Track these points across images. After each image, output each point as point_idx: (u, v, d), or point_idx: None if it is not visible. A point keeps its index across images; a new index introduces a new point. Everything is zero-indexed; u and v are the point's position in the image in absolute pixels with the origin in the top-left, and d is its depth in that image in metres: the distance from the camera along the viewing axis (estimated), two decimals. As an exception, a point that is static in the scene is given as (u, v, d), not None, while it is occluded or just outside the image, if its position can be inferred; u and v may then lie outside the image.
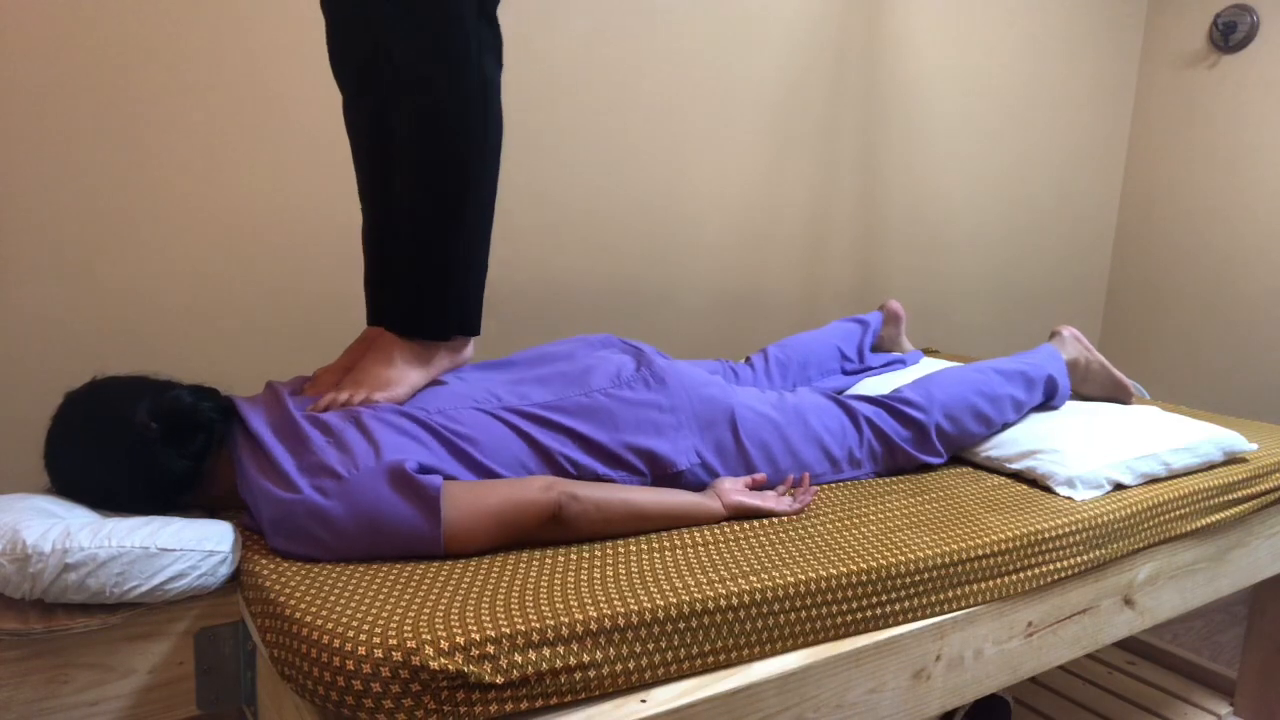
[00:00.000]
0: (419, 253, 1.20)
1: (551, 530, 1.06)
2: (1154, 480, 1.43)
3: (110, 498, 1.05)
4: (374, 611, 0.85)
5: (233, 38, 1.60)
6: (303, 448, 1.05)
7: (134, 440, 1.04)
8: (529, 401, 1.20)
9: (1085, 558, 1.25)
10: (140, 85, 1.53)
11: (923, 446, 1.43)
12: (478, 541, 1.02)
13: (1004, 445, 1.47)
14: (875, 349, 1.96)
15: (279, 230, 1.68)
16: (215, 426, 1.10)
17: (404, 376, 1.19)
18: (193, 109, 1.58)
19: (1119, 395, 1.74)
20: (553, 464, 1.16)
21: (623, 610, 0.89)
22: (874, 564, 1.05)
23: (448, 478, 1.08)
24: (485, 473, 1.12)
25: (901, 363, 1.85)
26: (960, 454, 1.51)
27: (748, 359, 1.73)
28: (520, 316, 1.99)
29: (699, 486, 1.24)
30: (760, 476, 1.27)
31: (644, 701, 0.88)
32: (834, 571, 1.02)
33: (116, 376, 1.10)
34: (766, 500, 1.21)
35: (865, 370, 1.82)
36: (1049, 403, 1.62)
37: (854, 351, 1.83)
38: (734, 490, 1.21)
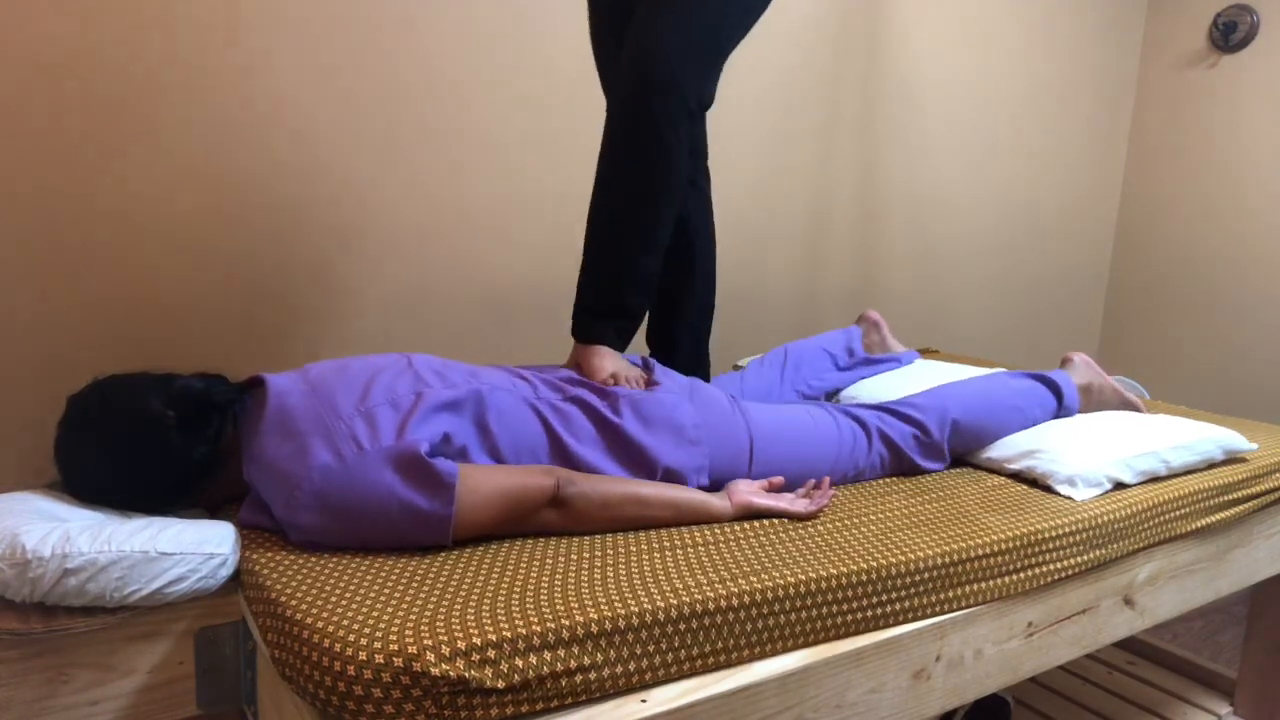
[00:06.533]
0: (593, 249, 1.38)
1: (552, 515, 1.07)
2: (1154, 478, 1.43)
3: (133, 497, 1.05)
4: (375, 613, 0.85)
5: (230, 38, 1.60)
6: (332, 416, 1.04)
7: (154, 432, 1.03)
8: (560, 394, 1.23)
9: (1085, 558, 1.25)
10: (131, 87, 1.53)
11: (929, 453, 1.43)
12: (480, 524, 1.03)
13: (1004, 445, 1.47)
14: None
15: (275, 229, 1.68)
16: (229, 408, 1.10)
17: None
18: (189, 110, 1.58)
19: None
20: (564, 458, 1.17)
21: (623, 612, 0.89)
22: (874, 564, 1.05)
23: (458, 454, 1.09)
24: (496, 453, 1.14)
25: (897, 361, 1.85)
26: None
27: (737, 366, 1.73)
28: (524, 318, 1.99)
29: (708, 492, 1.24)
30: (778, 480, 1.26)
31: (644, 702, 0.88)
32: (834, 571, 1.02)
33: (117, 375, 1.10)
34: (781, 501, 1.20)
35: (861, 364, 1.82)
36: (1058, 415, 1.61)
37: (841, 350, 1.83)
38: (748, 491, 1.20)
